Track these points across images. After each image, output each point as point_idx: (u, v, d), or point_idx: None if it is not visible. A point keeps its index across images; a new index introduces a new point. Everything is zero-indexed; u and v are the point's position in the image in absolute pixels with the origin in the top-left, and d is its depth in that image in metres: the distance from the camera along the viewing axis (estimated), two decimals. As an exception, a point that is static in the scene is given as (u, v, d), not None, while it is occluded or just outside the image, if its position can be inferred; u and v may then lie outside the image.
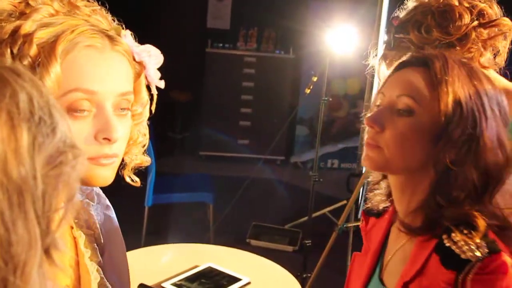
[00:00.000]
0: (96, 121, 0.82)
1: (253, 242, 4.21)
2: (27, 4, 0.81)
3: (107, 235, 1.02)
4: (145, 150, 0.98)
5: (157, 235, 4.00)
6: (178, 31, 6.02)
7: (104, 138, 0.82)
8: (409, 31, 1.36)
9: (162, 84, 0.95)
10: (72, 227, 0.95)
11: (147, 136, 0.98)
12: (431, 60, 1.05)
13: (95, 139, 0.82)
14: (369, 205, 1.24)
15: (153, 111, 0.97)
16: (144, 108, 0.94)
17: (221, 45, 5.93)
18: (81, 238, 0.95)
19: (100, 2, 0.92)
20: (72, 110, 0.80)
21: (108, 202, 1.07)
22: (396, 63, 1.12)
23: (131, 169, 0.97)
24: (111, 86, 0.83)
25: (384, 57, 1.41)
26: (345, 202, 3.96)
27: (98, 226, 1.00)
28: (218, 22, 6.07)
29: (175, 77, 6.32)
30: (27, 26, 0.78)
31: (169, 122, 6.11)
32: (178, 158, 5.95)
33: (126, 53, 0.87)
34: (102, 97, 0.82)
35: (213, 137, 5.94)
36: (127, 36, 0.89)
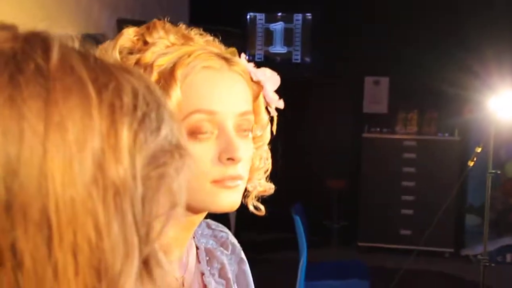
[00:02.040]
0: (219, 142, 0.82)
1: None
2: (145, 42, 0.85)
3: None
4: (267, 176, 0.95)
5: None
6: (333, 117, 5.94)
7: (228, 159, 0.82)
8: None
9: (281, 105, 0.92)
10: (203, 274, 0.95)
11: (269, 160, 0.95)
12: None
13: (219, 160, 0.82)
14: None
15: (274, 133, 0.95)
16: (265, 131, 0.93)
17: (378, 129, 5.71)
18: (211, 286, 0.95)
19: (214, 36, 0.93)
20: (194, 132, 0.81)
21: (243, 255, 1.04)
22: None
23: (255, 197, 0.94)
24: (231, 106, 0.84)
25: None
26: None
27: (231, 276, 0.99)
28: (375, 106, 5.89)
29: (331, 164, 6.21)
30: (147, 57, 0.82)
31: (325, 210, 5.90)
32: (334, 249, 5.67)
33: (243, 73, 0.87)
34: (222, 117, 0.83)
35: (372, 226, 5.62)
36: (242, 59, 0.90)
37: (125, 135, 0.43)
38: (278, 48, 6.27)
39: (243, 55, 0.90)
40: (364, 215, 5.68)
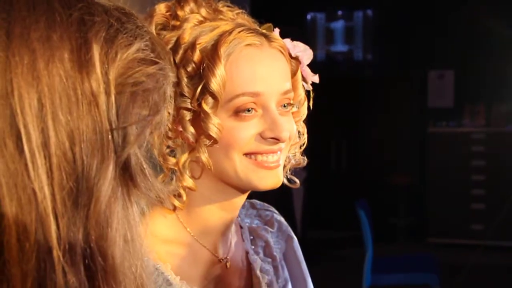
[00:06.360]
0: (263, 121, 0.83)
1: None
2: (176, 15, 0.85)
3: (289, 267, 1.00)
4: (303, 151, 0.94)
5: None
6: (397, 112, 5.89)
7: (271, 138, 0.82)
8: None
9: (316, 79, 0.91)
10: (247, 252, 0.94)
11: (305, 135, 0.94)
12: None
13: (262, 137, 0.83)
14: None
15: (311, 108, 0.93)
16: (302, 107, 0.92)
17: (444, 123, 5.62)
18: (257, 264, 0.93)
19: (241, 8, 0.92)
20: (240, 112, 0.82)
21: (290, 232, 1.03)
22: None
23: (289, 170, 0.93)
24: (274, 86, 0.83)
25: None
26: None
27: (277, 254, 0.98)
28: (440, 101, 5.80)
29: (396, 160, 6.15)
30: (186, 36, 0.82)
31: (390, 207, 5.85)
32: (402, 245, 5.62)
33: (282, 49, 0.86)
34: (266, 98, 0.83)
35: (442, 222, 5.54)
36: (277, 34, 0.89)
37: (96, 49, 0.44)
38: (339, 47, 6.28)
39: (276, 29, 0.89)
40: (433, 210, 5.60)
